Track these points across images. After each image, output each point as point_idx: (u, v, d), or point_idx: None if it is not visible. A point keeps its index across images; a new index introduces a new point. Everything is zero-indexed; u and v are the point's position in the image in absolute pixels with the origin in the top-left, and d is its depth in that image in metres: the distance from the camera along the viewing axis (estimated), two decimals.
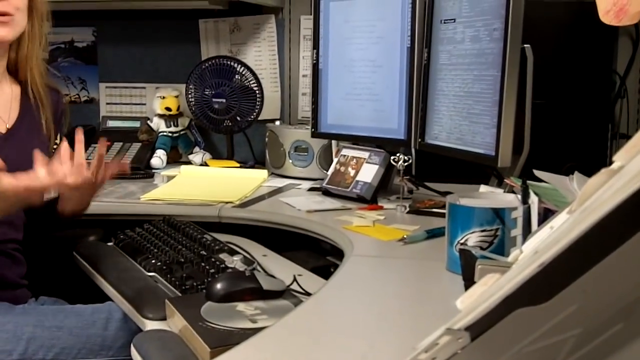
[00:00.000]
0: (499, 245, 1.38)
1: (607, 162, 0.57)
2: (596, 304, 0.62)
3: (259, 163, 2.87)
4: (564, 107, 2.37)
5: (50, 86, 1.95)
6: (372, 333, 1.14)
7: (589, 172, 0.58)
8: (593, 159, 2.36)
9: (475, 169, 2.05)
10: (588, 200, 0.56)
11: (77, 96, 3.16)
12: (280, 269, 1.72)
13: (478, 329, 0.61)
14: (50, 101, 1.91)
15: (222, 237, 1.89)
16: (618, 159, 0.55)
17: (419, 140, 2.16)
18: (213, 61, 2.84)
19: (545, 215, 1.39)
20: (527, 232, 1.38)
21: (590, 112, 2.45)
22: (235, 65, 2.83)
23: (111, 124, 3.01)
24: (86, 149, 2.73)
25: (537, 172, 1.49)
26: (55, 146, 1.88)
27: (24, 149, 1.66)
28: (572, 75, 2.40)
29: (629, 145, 0.55)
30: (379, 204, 2.12)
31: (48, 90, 1.92)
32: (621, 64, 2.58)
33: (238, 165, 2.82)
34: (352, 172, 2.23)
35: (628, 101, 2.57)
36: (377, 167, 2.19)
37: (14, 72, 1.87)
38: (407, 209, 2.02)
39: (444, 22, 2.05)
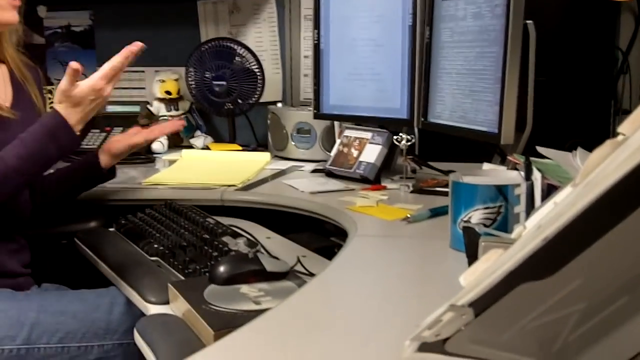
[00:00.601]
0: (503, 222, 1.37)
1: (610, 138, 0.56)
2: (601, 277, 0.61)
3: (262, 146, 2.86)
4: (567, 83, 2.36)
5: (29, 64, 1.94)
6: (376, 313, 1.14)
7: (592, 148, 0.57)
8: (596, 135, 2.34)
9: (478, 147, 2.04)
10: (592, 173, 0.55)
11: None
12: (284, 250, 1.72)
13: (481, 305, 0.60)
14: (32, 77, 1.92)
15: (225, 221, 1.89)
16: (622, 130, 0.54)
17: (422, 119, 2.15)
18: (212, 43, 2.83)
19: (549, 191, 1.38)
20: (530, 208, 1.37)
21: (593, 89, 2.44)
22: (235, 47, 2.81)
23: (110, 108, 2.98)
24: (85, 134, 2.75)
25: (540, 149, 1.48)
26: None
27: (26, 125, 1.66)
28: (574, 52, 2.39)
29: (633, 116, 0.54)
30: (382, 184, 2.11)
31: (27, 67, 1.93)
32: (624, 40, 2.57)
33: (240, 148, 2.81)
34: (355, 153, 2.22)
35: (630, 77, 2.56)
36: (380, 147, 2.18)
37: None
38: (411, 189, 2.01)
39: None
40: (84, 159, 2.03)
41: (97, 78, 1.66)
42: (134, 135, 2.03)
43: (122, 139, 2.03)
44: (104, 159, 2.00)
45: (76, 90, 1.64)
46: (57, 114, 1.63)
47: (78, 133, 1.67)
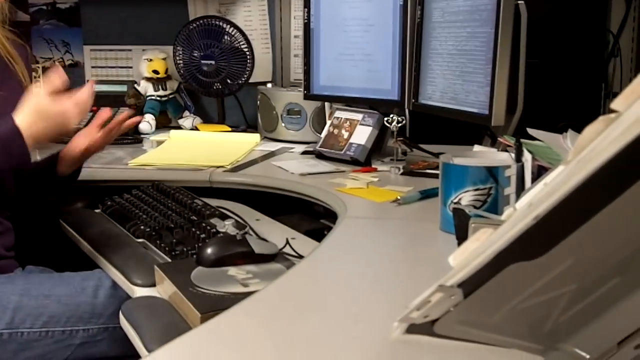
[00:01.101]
0: (493, 204, 1.36)
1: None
2: (592, 258, 0.60)
3: (251, 127, 2.85)
4: (558, 66, 2.36)
5: (17, 42, 1.91)
6: (365, 295, 1.13)
7: (583, 130, 0.56)
8: (586, 118, 2.33)
9: (469, 129, 2.03)
10: (584, 150, 0.54)
11: (60, 60, 3.10)
12: (273, 232, 1.71)
13: (471, 285, 0.59)
14: (20, 55, 1.89)
15: (214, 202, 1.87)
16: (616, 105, 0.53)
17: (413, 100, 2.14)
18: (201, 22, 2.80)
19: (539, 173, 1.38)
20: (520, 190, 1.36)
21: (584, 71, 2.43)
22: (224, 25, 2.78)
23: (97, 88, 2.92)
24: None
25: (530, 131, 1.47)
26: None
27: (11, 104, 1.64)
28: (565, 34, 2.38)
29: (627, 91, 0.53)
30: (373, 166, 2.10)
31: (14, 45, 1.90)
32: (615, 23, 2.56)
33: (229, 129, 2.79)
34: (345, 135, 2.21)
35: (621, 60, 2.55)
36: (370, 128, 2.17)
37: None
38: (401, 171, 2.00)
39: None
40: (44, 162, 1.90)
41: (71, 104, 1.63)
42: (88, 139, 1.88)
43: (76, 145, 1.87)
44: (61, 167, 1.88)
45: (50, 104, 1.61)
46: (14, 125, 1.59)
47: (30, 149, 1.63)
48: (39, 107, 1.61)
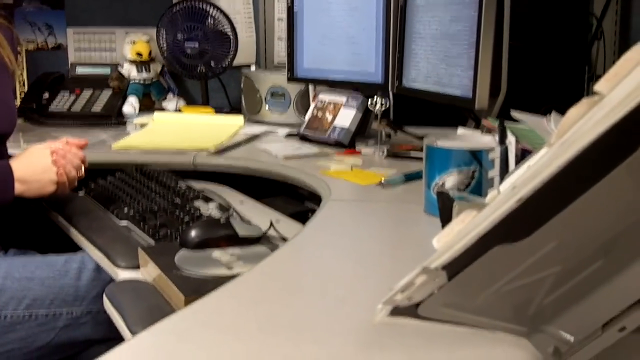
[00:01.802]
0: (477, 187, 1.37)
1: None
2: (576, 240, 0.60)
3: (235, 109, 2.83)
4: (541, 49, 2.36)
5: (2, 24, 1.89)
6: (349, 277, 1.13)
7: (566, 112, 0.56)
8: (570, 101, 2.33)
9: (452, 112, 2.04)
10: (568, 132, 0.54)
11: (44, 42, 3.07)
12: (257, 215, 1.71)
13: (455, 267, 0.59)
14: (4, 37, 1.87)
15: (198, 185, 1.87)
16: (599, 88, 0.53)
17: (397, 83, 2.14)
18: (184, 4, 2.78)
19: (523, 155, 1.38)
20: (504, 173, 1.37)
21: (567, 54, 2.43)
22: (208, 8, 2.77)
23: (80, 70, 2.93)
24: (55, 96, 2.71)
25: (514, 113, 1.47)
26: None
27: None
28: (548, 17, 2.38)
29: (610, 73, 0.53)
30: (357, 148, 2.10)
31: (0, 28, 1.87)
32: (598, 6, 2.55)
33: (213, 112, 2.78)
34: (329, 117, 2.21)
35: (604, 43, 2.55)
36: (354, 111, 2.16)
37: None
38: (385, 153, 2.00)
39: None
40: None
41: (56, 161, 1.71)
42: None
43: None
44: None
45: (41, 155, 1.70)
46: (9, 169, 1.66)
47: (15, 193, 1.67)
48: (31, 153, 1.70)
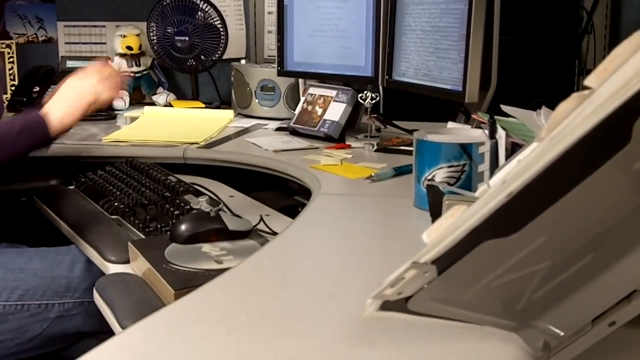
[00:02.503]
0: (467, 181, 1.37)
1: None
2: (566, 235, 0.60)
3: (225, 103, 2.84)
4: (531, 42, 2.36)
5: None
6: (339, 271, 1.13)
7: (556, 107, 0.56)
8: (560, 95, 2.34)
9: (442, 105, 2.04)
10: (558, 127, 0.54)
11: (34, 36, 3.06)
12: (247, 209, 1.71)
13: (445, 262, 0.59)
14: None
15: (188, 179, 1.87)
16: (589, 82, 0.53)
17: (387, 77, 2.14)
18: None
19: (513, 149, 1.38)
20: (494, 167, 1.36)
21: (557, 48, 2.43)
22: (198, 2, 2.76)
23: (71, 64, 2.92)
24: (45, 89, 2.70)
25: (504, 107, 1.47)
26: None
27: None
28: (539, 11, 2.38)
29: (600, 68, 0.53)
30: (347, 142, 2.10)
31: None
32: (588, 0, 2.56)
33: (203, 105, 2.78)
34: (319, 111, 2.20)
35: (595, 37, 2.56)
36: (344, 105, 2.16)
37: None
38: (375, 147, 2.01)
39: None
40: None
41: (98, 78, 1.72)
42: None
43: None
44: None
45: (75, 82, 1.70)
46: (40, 115, 1.64)
47: (55, 133, 1.66)
48: (65, 89, 1.68)
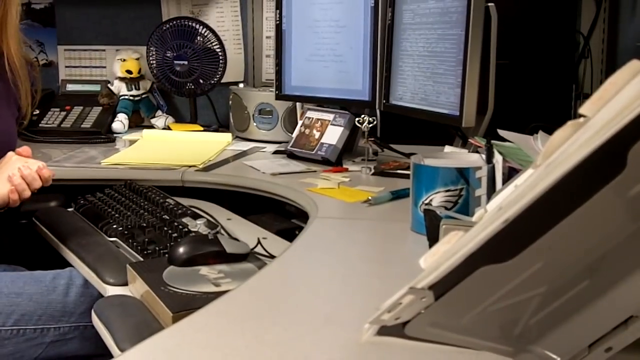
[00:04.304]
0: (464, 205, 1.37)
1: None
2: (562, 261, 0.61)
3: (223, 126, 2.85)
4: (528, 67, 2.37)
5: (26, 58, 1.89)
6: (336, 295, 1.13)
7: (553, 132, 0.57)
8: (557, 119, 2.34)
9: (439, 130, 2.04)
10: (553, 154, 0.55)
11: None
12: (244, 232, 1.71)
13: (442, 287, 0.59)
14: (27, 73, 1.86)
15: (186, 202, 1.87)
16: (584, 111, 0.54)
17: (384, 101, 2.15)
18: (174, 22, 2.80)
19: (510, 174, 1.39)
20: (491, 191, 1.37)
21: (554, 73, 2.44)
22: (197, 26, 2.79)
23: (71, 87, 2.94)
24: (45, 113, 2.71)
25: (501, 132, 1.48)
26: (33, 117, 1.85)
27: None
28: (536, 36, 2.39)
29: (595, 97, 0.54)
30: (344, 166, 2.11)
31: (24, 62, 1.87)
32: (585, 24, 2.58)
33: (201, 128, 2.79)
34: (316, 135, 2.21)
35: (592, 61, 2.57)
36: (341, 129, 2.17)
37: None
38: (372, 171, 2.01)
39: None
40: None
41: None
42: None
43: None
44: None
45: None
46: None
47: None
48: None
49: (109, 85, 2.93)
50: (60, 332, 1.57)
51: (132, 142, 2.59)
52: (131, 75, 2.90)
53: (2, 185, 1.63)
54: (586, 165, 0.51)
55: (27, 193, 1.65)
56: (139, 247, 1.56)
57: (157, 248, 1.54)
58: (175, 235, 1.58)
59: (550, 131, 0.63)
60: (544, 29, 2.41)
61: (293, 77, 2.42)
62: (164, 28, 2.79)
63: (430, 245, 1.22)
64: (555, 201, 0.53)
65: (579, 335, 0.68)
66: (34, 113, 2.71)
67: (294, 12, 2.39)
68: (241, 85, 2.84)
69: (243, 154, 2.40)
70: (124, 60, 2.91)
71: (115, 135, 2.73)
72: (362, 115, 2.05)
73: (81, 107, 2.79)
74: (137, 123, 2.91)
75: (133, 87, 2.91)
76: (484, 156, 1.44)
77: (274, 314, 1.04)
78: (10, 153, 1.69)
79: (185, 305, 1.19)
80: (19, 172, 1.63)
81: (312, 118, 2.28)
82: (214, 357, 0.88)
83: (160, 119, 2.88)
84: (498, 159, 1.41)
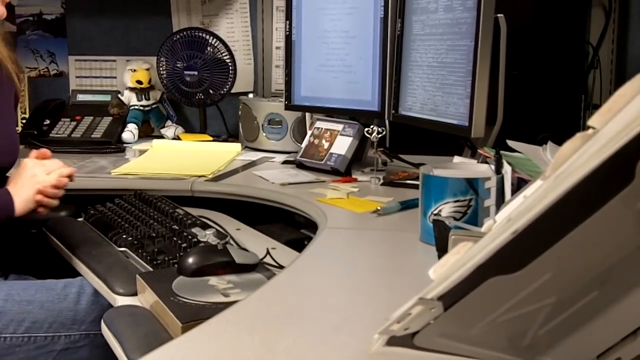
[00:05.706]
0: (473, 216, 1.37)
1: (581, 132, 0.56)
2: (571, 272, 0.61)
3: (232, 136, 2.85)
4: (537, 77, 2.37)
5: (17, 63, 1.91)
6: (345, 305, 1.13)
7: (562, 142, 0.57)
8: (566, 130, 2.35)
9: (449, 140, 2.04)
10: (562, 165, 0.55)
11: (46, 70, 3.11)
12: (253, 242, 1.71)
13: (451, 298, 0.60)
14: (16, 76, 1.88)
15: (195, 212, 1.87)
16: (593, 123, 0.54)
17: (393, 111, 2.15)
18: (184, 33, 2.81)
19: (519, 185, 1.38)
20: (500, 202, 1.37)
21: (564, 83, 2.44)
22: (207, 37, 2.80)
23: (81, 97, 2.96)
24: (56, 123, 2.73)
25: (510, 142, 1.48)
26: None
27: None
28: (545, 46, 2.39)
29: (603, 109, 0.54)
30: (353, 176, 2.11)
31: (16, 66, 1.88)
32: (594, 35, 2.58)
33: (211, 138, 2.80)
34: (326, 145, 2.22)
35: (601, 72, 2.57)
36: (351, 139, 2.17)
37: None
38: (381, 181, 2.01)
39: None
40: None
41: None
42: None
43: None
44: None
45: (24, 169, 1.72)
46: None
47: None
48: (19, 174, 1.72)
49: (119, 95, 2.94)
50: (71, 339, 1.58)
51: (142, 152, 2.60)
52: (141, 86, 2.91)
53: (30, 192, 1.69)
54: (595, 177, 0.51)
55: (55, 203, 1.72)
56: (149, 257, 1.57)
57: (166, 258, 1.54)
58: (184, 245, 1.59)
59: (559, 142, 0.63)
60: (553, 39, 2.41)
61: (302, 88, 2.43)
62: (175, 39, 2.80)
63: (440, 256, 1.22)
64: (564, 212, 0.54)
65: (588, 346, 0.68)
66: (45, 123, 2.73)
67: (304, 23, 2.40)
68: (251, 95, 2.85)
69: (252, 164, 2.40)
70: (135, 70, 2.93)
71: (125, 145, 2.74)
72: (371, 126, 2.06)
73: (91, 117, 2.81)
74: (147, 133, 2.93)
75: (143, 97, 2.92)
76: (493, 167, 1.44)
77: (283, 324, 1.04)
78: (25, 160, 1.73)
79: (194, 316, 1.19)
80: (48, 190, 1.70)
81: (322, 128, 2.28)
82: None
83: (170, 129, 2.89)
84: (507, 169, 1.40)
